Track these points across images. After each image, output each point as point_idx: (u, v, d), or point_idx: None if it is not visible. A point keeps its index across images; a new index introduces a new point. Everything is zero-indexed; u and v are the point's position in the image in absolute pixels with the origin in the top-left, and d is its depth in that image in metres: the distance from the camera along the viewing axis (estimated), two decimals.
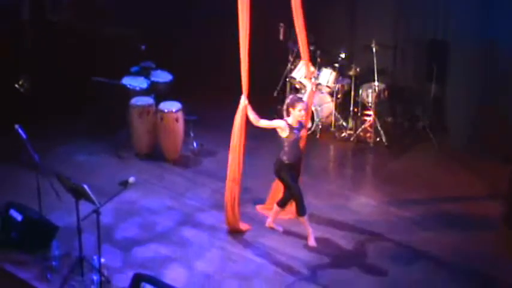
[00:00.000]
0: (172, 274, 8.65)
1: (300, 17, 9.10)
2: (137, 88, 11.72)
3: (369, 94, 12.02)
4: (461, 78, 11.63)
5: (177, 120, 11.19)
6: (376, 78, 11.96)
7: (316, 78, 11.88)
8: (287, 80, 12.79)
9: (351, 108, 12.39)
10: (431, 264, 8.97)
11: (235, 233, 9.46)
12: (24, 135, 8.93)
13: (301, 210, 9.11)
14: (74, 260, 8.55)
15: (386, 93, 12.18)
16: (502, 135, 10.91)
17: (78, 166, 11.03)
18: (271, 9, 11.36)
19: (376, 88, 11.98)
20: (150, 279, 7.97)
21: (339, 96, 12.37)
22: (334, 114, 12.31)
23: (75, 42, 12.85)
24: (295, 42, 12.27)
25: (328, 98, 12.31)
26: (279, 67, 13.07)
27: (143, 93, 11.65)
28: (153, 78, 12.01)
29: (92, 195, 7.91)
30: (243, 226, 9.53)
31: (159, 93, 11.85)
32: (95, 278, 8.35)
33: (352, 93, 12.33)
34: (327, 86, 12.22)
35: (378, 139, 12.04)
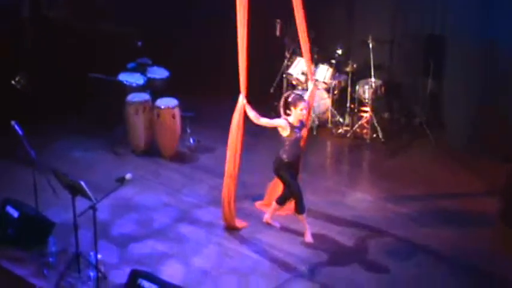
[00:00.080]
0: (169, 270, 8.65)
1: (301, 17, 9.06)
2: (134, 84, 11.70)
3: (365, 90, 12.02)
4: (459, 74, 11.61)
5: (173, 116, 11.18)
6: (372, 74, 11.95)
7: (313, 74, 11.86)
8: (284, 76, 12.78)
9: (348, 105, 12.39)
10: (429, 260, 8.98)
11: (231, 229, 9.45)
12: (20, 132, 8.91)
13: (300, 208, 9.11)
14: (71, 256, 8.54)
15: (383, 89, 12.18)
16: (502, 135, 10.84)
17: (75, 162, 11.01)
18: (268, 5, 11.34)
19: (373, 84, 11.98)
20: (147, 276, 7.98)
21: (335, 92, 12.37)
22: (331, 111, 12.30)
23: (71, 39, 12.82)
24: (292, 39, 12.39)
25: (325, 94, 12.30)
26: (276, 63, 13.05)
27: (140, 90, 11.64)
28: (149, 75, 12.00)
29: (88, 192, 7.89)
30: (239, 223, 9.51)
31: (155, 89, 11.83)
32: (92, 274, 8.35)
33: (349, 89, 12.33)
34: (324, 82, 12.22)
35: (374, 135, 12.04)
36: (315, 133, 12.07)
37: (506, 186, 9.71)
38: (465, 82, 11.51)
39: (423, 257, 9.02)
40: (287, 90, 12.45)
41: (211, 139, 11.64)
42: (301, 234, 9.30)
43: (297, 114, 8.87)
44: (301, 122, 8.99)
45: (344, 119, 12.37)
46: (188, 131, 11.68)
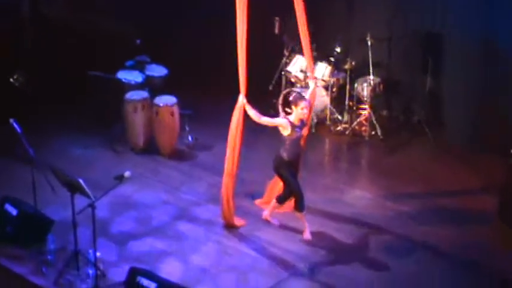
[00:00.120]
0: (168, 268, 8.64)
1: (301, 9, 9.02)
2: (132, 82, 11.70)
3: (364, 88, 12.01)
4: (458, 72, 11.59)
5: (172, 114, 11.18)
6: (371, 71, 11.95)
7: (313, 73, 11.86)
8: (282, 74, 12.78)
9: (346, 102, 12.38)
10: (427, 257, 8.98)
11: (230, 227, 9.45)
12: (19, 129, 8.90)
13: (300, 207, 9.11)
14: (70, 254, 8.53)
15: (381, 86, 12.17)
16: (502, 135, 10.82)
17: (73, 160, 11.00)
18: (266, 3, 11.32)
19: (372, 82, 11.98)
20: (146, 273, 7.98)
21: (334, 90, 12.36)
22: (330, 108, 12.30)
23: (70, 37, 12.80)
24: (291, 36, 12.38)
25: (324, 92, 12.29)
26: (274, 61, 13.04)
27: (138, 88, 11.62)
28: (148, 72, 11.99)
29: (87, 189, 7.89)
30: (238, 222, 9.50)
31: (154, 87, 11.82)
32: (91, 272, 8.34)
33: (348, 86, 12.32)
34: (322, 80, 12.21)
35: (373, 133, 12.05)
36: (313, 131, 12.05)
37: (504, 184, 9.71)
38: (464, 80, 11.50)
39: (422, 255, 9.02)
40: (286, 87, 12.44)
41: (210, 137, 11.63)
42: (299, 231, 9.31)
43: (298, 113, 8.85)
44: (302, 121, 8.96)
45: (343, 116, 12.36)
46: (187, 128, 11.68)
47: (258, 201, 9.89)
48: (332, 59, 12.23)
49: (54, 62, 12.44)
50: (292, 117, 8.87)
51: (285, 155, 8.95)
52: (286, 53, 12.76)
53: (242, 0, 8.49)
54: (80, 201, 8.09)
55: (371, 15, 12.41)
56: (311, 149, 11.32)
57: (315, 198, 10.01)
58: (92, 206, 7.91)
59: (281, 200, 9.31)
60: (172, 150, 11.40)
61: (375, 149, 11.79)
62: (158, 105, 11.16)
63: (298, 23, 9.17)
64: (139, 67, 12.04)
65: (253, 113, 8.74)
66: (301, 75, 12.23)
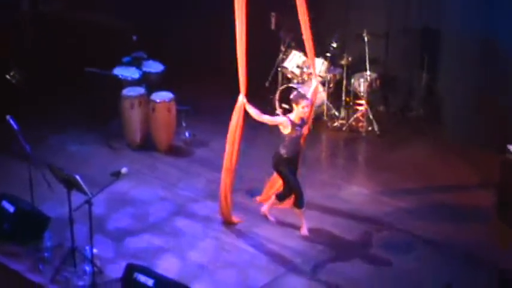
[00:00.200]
0: (165, 264, 8.64)
1: (303, 13, 9.02)
2: (129, 78, 11.67)
3: (361, 83, 12.01)
4: (454, 68, 11.59)
5: (169, 110, 11.16)
6: (368, 67, 11.94)
7: (308, 67, 11.85)
8: (279, 69, 12.76)
9: (343, 98, 12.37)
10: (425, 253, 8.99)
11: (228, 224, 9.44)
12: (15, 126, 8.89)
13: (300, 203, 9.10)
14: (66, 251, 8.53)
15: (378, 82, 12.17)
16: (500, 131, 10.81)
17: (70, 156, 10.99)
18: None
19: (368, 77, 11.97)
20: (143, 270, 7.97)
21: (331, 85, 12.35)
22: (326, 104, 12.29)
23: (67, 33, 12.80)
24: (287, 32, 12.37)
25: (320, 88, 12.26)
26: (271, 57, 13.02)
27: (135, 84, 11.60)
28: (144, 69, 11.97)
29: (83, 186, 7.88)
30: (236, 218, 9.49)
31: (151, 83, 11.80)
32: (88, 268, 8.34)
33: (344, 82, 12.31)
34: (319, 76, 12.19)
35: (370, 128, 12.04)
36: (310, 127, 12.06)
37: (500, 181, 9.70)
38: (462, 78, 11.49)
39: (420, 250, 9.02)
40: (282, 83, 12.42)
41: (207, 133, 11.63)
42: (297, 227, 9.30)
43: (298, 112, 8.82)
44: (302, 119, 8.94)
45: (339, 112, 12.35)
46: (184, 124, 11.67)
47: (258, 198, 9.86)
48: (329, 54, 12.21)
49: (50, 59, 12.42)
50: (292, 116, 8.84)
51: (284, 152, 8.92)
52: (282, 48, 12.73)
53: (241, 3, 8.44)
54: (77, 198, 8.07)
55: (368, 10, 12.39)
56: (308, 145, 11.29)
57: (312, 194, 9.99)
58: (88, 202, 7.90)
59: (281, 198, 9.30)
60: (169, 147, 11.38)
61: (372, 144, 11.79)
62: (155, 102, 11.14)
63: (300, 21, 9.15)
64: (136, 63, 12.02)
65: (253, 112, 8.72)
66: (297, 71, 12.21)
